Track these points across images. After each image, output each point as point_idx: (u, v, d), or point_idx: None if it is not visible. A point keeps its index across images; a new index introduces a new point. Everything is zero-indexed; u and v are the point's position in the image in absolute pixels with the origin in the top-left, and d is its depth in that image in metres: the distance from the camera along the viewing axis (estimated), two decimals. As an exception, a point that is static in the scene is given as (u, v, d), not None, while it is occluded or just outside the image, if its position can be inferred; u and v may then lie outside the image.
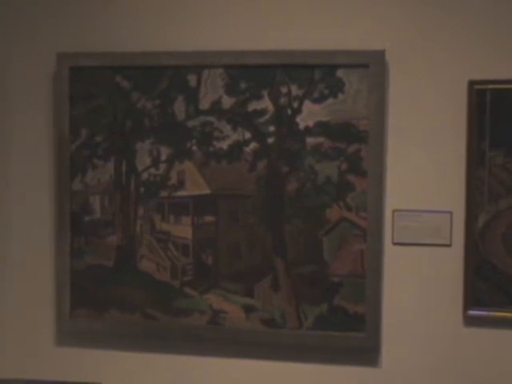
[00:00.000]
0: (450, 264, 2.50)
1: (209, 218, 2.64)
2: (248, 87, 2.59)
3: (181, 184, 2.65)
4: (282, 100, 2.57)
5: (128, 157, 2.69)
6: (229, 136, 2.61)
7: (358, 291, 2.53)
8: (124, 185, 2.70)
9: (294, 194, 2.57)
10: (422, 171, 2.51)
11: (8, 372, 2.75)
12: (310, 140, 2.55)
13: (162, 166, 2.66)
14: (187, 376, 2.71)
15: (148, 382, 2.74)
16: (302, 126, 2.55)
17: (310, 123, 2.54)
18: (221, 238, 2.64)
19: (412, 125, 2.51)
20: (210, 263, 2.65)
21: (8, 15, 2.77)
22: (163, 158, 2.66)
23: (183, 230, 2.66)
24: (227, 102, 2.61)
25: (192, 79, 2.63)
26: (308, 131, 2.55)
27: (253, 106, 2.59)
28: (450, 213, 2.49)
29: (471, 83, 2.44)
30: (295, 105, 2.55)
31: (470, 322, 2.50)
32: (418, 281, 2.53)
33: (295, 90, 2.55)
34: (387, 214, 2.54)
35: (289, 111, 2.56)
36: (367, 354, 2.57)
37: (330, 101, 2.53)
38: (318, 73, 2.54)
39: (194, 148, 2.64)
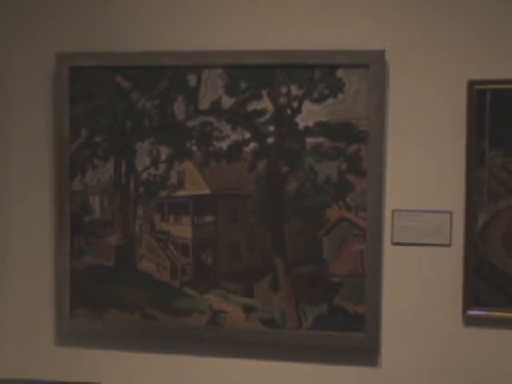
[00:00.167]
0: (450, 264, 2.50)
1: (208, 218, 2.64)
2: (248, 87, 2.59)
3: (180, 184, 2.65)
4: (282, 100, 2.57)
5: (128, 157, 2.69)
6: (228, 136, 2.61)
7: (357, 291, 2.53)
8: (124, 185, 2.70)
9: (294, 193, 2.57)
10: (421, 171, 2.51)
11: (8, 372, 2.75)
12: (310, 140, 2.55)
13: (162, 166, 2.67)
14: (187, 376, 2.71)
15: (148, 382, 2.74)
16: (301, 126, 2.55)
17: (310, 123, 2.55)
18: (221, 238, 2.64)
19: (412, 125, 2.51)
20: (210, 263, 2.65)
21: (8, 15, 2.77)
22: (163, 157, 2.66)
23: (183, 229, 2.66)
24: (227, 101, 2.61)
25: (192, 79, 2.63)
26: (308, 131, 2.55)
27: (252, 105, 2.59)
28: (450, 213, 2.49)
29: (471, 83, 2.44)
30: (295, 105, 2.55)
31: (469, 321, 2.50)
32: (418, 281, 2.53)
33: (295, 90, 2.55)
34: (387, 213, 2.54)
35: (288, 111, 2.56)
36: (367, 354, 2.57)
37: (329, 101, 2.53)
38: (317, 73, 2.54)
39: (194, 148, 2.64)
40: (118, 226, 2.71)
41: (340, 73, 2.52)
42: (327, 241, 2.55)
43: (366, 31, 2.52)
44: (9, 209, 2.81)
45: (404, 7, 2.51)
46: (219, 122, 2.61)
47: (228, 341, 2.65)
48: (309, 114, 2.55)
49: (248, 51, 2.57)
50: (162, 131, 2.66)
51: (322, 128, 2.54)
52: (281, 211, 2.59)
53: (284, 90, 2.56)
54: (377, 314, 2.53)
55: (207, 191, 2.63)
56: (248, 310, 2.62)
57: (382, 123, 2.50)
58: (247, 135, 2.60)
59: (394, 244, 2.54)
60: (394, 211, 2.53)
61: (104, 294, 2.72)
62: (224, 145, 2.61)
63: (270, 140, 2.58)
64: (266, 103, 2.58)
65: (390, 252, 2.54)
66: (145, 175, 2.68)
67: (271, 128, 2.58)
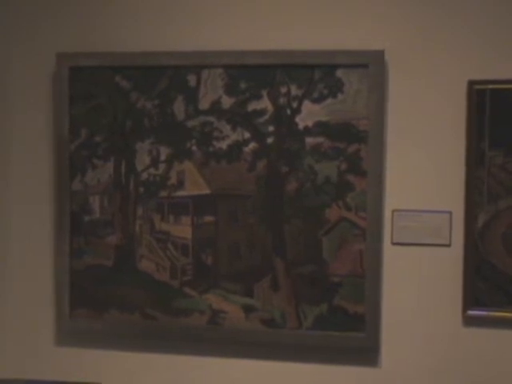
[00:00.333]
0: (450, 264, 2.50)
1: (208, 218, 2.64)
2: (248, 87, 2.59)
3: (180, 184, 2.65)
4: (282, 100, 2.57)
5: (128, 157, 2.69)
6: (228, 136, 2.61)
7: (357, 291, 2.53)
8: (123, 185, 2.70)
9: (294, 193, 2.57)
10: (421, 171, 2.51)
11: (8, 372, 2.75)
12: (310, 140, 2.55)
13: (162, 166, 2.67)
14: (187, 376, 2.71)
15: (148, 382, 2.74)
16: (301, 125, 2.55)
17: (310, 123, 2.54)
18: (220, 238, 2.64)
19: (412, 125, 2.51)
20: (210, 263, 2.65)
21: (8, 15, 2.77)
22: (163, 157, 2.66)
23: (183, 229, 2.66)
24: (227, 101, 2.61)
25: (192, 79, 2.63)
26: (307, 131, 2.55)
27: (252, 105, 2.59)
28: (450, 213, 2.49)
29: (471, 83, 2.44)
30: (294, 105, 2.55)
31: (469, 321, 2.50)
32: (418, 281, 2.53)
33: (295, 90, 2.55)
34: (387, 213, 2.54)
35: (288, 111, 2.56)
36: (367, 354, 2.57)
37: (329, 101, 2.53)
38: (317, 73, 2.54)
39: (194, 148, 2.64)
40: (117, 225, 2.71)
41: (340, 73, 2.52)
42: (327, 241, 2.55)
43: (366, 31, 2.52)
44: (9, 209, 2.81)
45: (404, 7, 2.51)
46: (219, 122, 2.62)
47: (228, 341, 2.65)
48: (308, 114, 2.55)
49: (248, 51, 2.57)
50: (162, 131, 2.66)
51: (321, 128, 2.54)
52: (281, 211, 2.59)
53: (284, 89, 2.56)
54: (377, 313, 2.53)
55: (207, 191, 2.63)
56: (248, 310, 2.62)
57: (381, 123, 2.50)
58: (247, 135, 2.60)
59: (393, 244, 2.54)
60: (393, 211, 2.53)
61: (104, 293, 2.72)
62: (224, 145, 2.61)
63: (269, 140, 2.58)
64: (265, 103, 2.58)
65: (389, 252, 2.54)
66: (145, 175, 2.68)
67: (271, 128, 2.58)
